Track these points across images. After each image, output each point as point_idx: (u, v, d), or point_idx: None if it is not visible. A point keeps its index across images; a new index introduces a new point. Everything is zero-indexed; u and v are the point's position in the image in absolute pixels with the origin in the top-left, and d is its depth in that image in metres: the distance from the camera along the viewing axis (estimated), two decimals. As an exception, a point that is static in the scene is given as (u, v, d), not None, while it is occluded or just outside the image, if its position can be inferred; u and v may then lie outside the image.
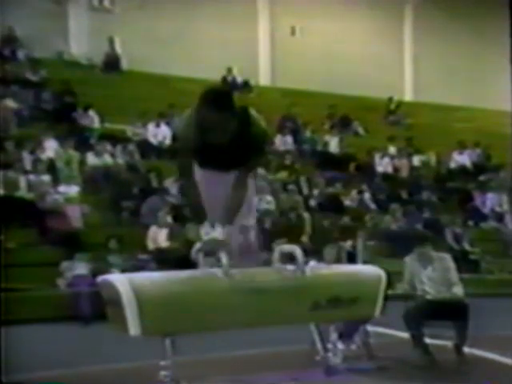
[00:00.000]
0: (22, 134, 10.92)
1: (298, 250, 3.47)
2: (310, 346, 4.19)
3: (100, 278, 3.41)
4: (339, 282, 3.52)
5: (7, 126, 10.93)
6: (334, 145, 13.91)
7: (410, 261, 5.44)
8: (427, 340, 5.10)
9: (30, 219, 9.18)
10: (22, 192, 9.58)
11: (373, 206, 12.15)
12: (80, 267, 8.36)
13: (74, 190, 10.05)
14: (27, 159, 10.28)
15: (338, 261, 6.18)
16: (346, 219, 10.84)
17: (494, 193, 13.15)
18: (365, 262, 5.90)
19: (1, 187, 9.41)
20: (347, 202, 12.02)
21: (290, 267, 3.50)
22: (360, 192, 12.20)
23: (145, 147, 11.90)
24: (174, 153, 3.14)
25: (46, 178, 9.97)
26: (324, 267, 3.68)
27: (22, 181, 9.67)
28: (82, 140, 11.39)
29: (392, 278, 4.20)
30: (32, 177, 9.87)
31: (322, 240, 8.82)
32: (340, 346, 3.88)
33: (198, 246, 3.28)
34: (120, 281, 3.18)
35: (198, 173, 3.35)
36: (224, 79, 15.47)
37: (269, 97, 15.41)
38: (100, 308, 3.60)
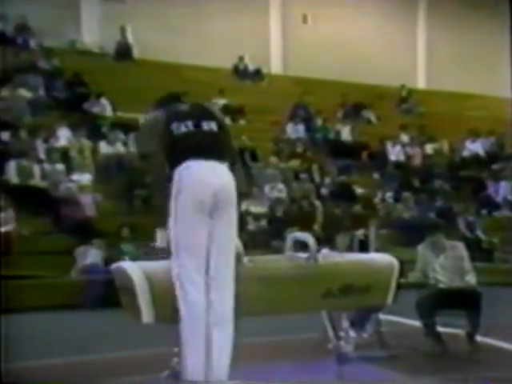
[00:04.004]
0: (35, 122, 10.97)
1: (310, 238, 3.47)
2: (321, 334, 4.20)
3: (113, 266, 3.44)
4: (352, 270, 3.53)
5: (21, 114, 10.98)
6: (346, 133, 13.87)
7: (422, 249, 5.43)
8: (439, 329, 5.09)
9: (44, 207, 9.24)
10: (36, 180, 9.65)
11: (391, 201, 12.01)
12: (93, 255, 8.42)
13: (86, 178, 10.10)
14: (41, 148, 10.34)
15: (350, 249, 6.17)
16: (357, 207, 10.82)
17: (507, 181, 13.06)
18: (377, 251, 5.89)
19: (15, 176, 9.49)
20: (359, 190, 11.98)
21: (303, 255, 3.50)
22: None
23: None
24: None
25: (60, 166, 10.04)
26: (336, 255, 3.67)
27: (36, 169, 9.73)
28: (94, 129, 11.43)
29: (404, 267, 4.19)
30: (46, 165, 9.93)
31: (333, 228, 8.82)
32: (352, 334, 3.88)
33: None
34: (133, 269, 3.21)
35: None
36: (236, 68, 15.44)
37: (280, 85, 15.36)
38: (112, 295, 3.63)
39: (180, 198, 3.18)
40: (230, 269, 3.21)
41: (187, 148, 3.27)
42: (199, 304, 3.14)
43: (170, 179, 3.24)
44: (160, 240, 3.28)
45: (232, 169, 3.37)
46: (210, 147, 3.30)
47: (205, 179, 3.20)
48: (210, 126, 3.38)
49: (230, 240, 3.25)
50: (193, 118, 3.38)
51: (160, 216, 3.27)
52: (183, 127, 3.33)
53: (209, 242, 3.19)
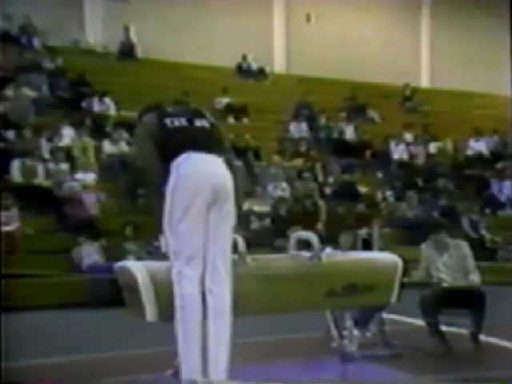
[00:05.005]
0: (39, 121, 10.99)
1: (314, 237, 3.48)
2: (325, 333, 4.21)
3: (117, 265, 3.45)
4: (355, 269, 3.53)
5: (25, 113, 11.00)
6: (349, 132, 13.86)
7: (425, 248, 5.41)
8: (443, 328, 5.09)
9: (48, 206, 9.26)
10: (40, 179, 9.67)
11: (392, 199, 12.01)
12: (90, 253, 8.43)
13: (90, 177, 10.12)
14: (45, 147, 10.36)
15: (353, 248, 6.17)
16: (361, 206, 10.81)
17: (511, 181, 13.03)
18: (380, 250, 5.89)
19: (19, 175, 9.51)
20: (362, 189, 11.97)
21: (306, 254, 3.51)
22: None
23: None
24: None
25: (64, 165, 10.06)
26: (340, 254, 3.68)
27: (40, 168, 9.75)
28: (98, 128, 11.44)
29: (407, 266, 4.18)
30: (50, 164, 9.95)
31: (337, 227, 8.81)
32: (355, 333, 3.89)
33: None
34: (137, 267, 3.22)
35: None
36: (239, 66, 15.44)
37: (284, 84, 15.36)
38: (115, 294, 3.64)
39: (178, 189, 3.15)
40: (227, 262, 3.20)
41: (183, 141, 3.28)
42: (193, 296, 3.13)
43: (166, 178, 3.20)
44: (165, 246, 3.28)
45: (229, 166, 3.34)
46: (205, 141, 3.32)
47: (205, 170, 3.20)
48: (202, 123, 3.41)
49: (226, 234, 3.24)
50: (184, 116, 3.43)
51: (162, 223, 3.25)
52: (177, 122, 3.36)
53: (205, 237, 3.18)
